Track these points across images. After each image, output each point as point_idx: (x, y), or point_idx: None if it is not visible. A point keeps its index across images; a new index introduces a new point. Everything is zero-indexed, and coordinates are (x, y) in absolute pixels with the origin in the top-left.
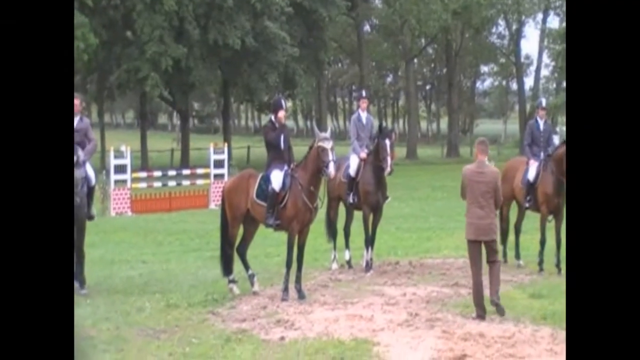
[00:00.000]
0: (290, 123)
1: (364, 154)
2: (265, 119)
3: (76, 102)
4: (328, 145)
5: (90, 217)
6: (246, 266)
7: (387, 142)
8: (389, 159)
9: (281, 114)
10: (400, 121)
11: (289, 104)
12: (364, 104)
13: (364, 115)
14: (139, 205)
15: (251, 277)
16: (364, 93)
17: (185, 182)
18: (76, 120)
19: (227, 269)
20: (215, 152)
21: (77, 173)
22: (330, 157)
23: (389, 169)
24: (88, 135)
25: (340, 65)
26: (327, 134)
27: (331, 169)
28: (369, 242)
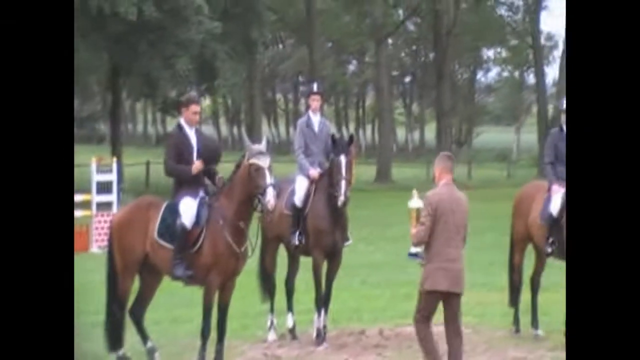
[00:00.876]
0: (208, 129)
1: (315, 173)
2: (172, 123)
3: None
4: (264, 162)
5: None
6: (144, 336)
7: (342, 159)
8: (343, 183)
9: (193, 110)
10: (368, 128)
11: (206, 101)
12: (315, 102)
13: (315, 118)
14: None
15: (151, 352)
16: (315, 87)
17: None
18: None
19: (114, 340)
20: (99, 171)
21: None
22: (268, 179)
23: (342, 197)
24: None
25: (281, 46)
26: (263, 146)
27: (269, 197)
28: (322, 302)
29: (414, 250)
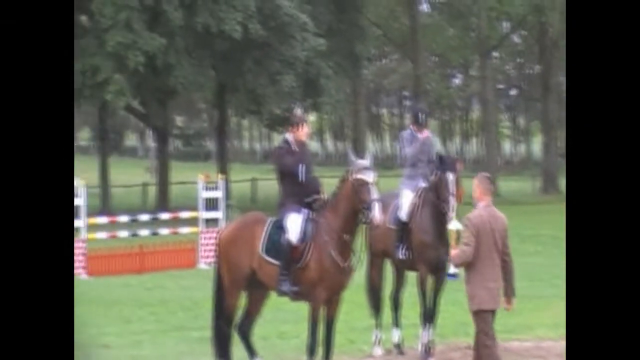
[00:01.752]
0: (313, 145)
1: (421, 183)
2: (278, 140)
3: None
4: (369, 177)
5: None
6: (251, 352)
7: (450, 176)
8: (451, 199)
9: (302, 131)
10: (473, 141)
11: (312, 117)
12: (421, 134)
13: (418, 134)
14: (97, 265)
15: None
16: (419, 118)
17: (164, 231)
18: None
19: (222, 356)
20: (206, 188)
21: None
22: (374, 194)
23: (452, 214)
24: None
25: (385, 61)
26: (368, 162)
27: (375, 211)
28: (428, 317)
29: (452, 270)
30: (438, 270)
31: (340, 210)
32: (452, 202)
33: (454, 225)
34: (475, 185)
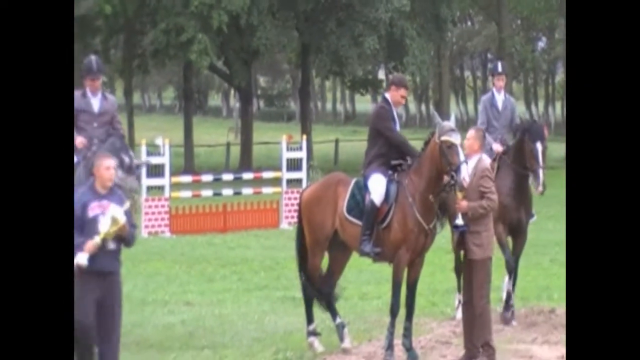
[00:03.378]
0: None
1: (498, 148)
2: (362, 101)
3: (94, 83)
4: (456, 139)
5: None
6: (333, 312)
7: (539, 146)
8: (541, 172)
9: (402, 94)
10: (557, 106)
11: None
12: (500, 81)
13: (499, 97)
14: (181, 223)
15: (340, 327)
16: (499, 67)
17: (247, 191)
18: (98, 98)
19: (306, 315)
20: (289, 149)
21: (131, 182)
22: (462, 156)
23: (540, 188)
24: (114, 122)
25: (469, 24)
26: (453, 123)
27: (464, 173)
28: (510, 271)
29: (461, 221)
30: (518, 232)
31: (424, 172)
32: (542, 174)
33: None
34: (474, 139)
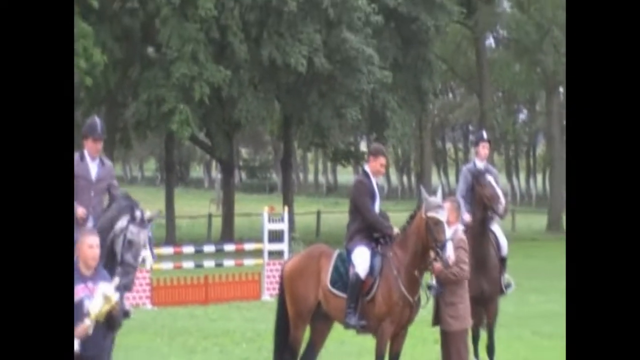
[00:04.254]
0: (378, 179)
1: (469, 217)
2: (344, 173)
3: (96, 145)
4: (443, 217)
5: (126, 314)
6: None
7: (490, 178)
8: (500, 195)
9: (381, 162)
10: (539, 177)
11: None
12: (483, 149)
13: (481, 165)
14: (162, 295)
15: None
16: (484, 134)
17: (229, 263)
18: (96, 164)
19: None
20: (271, 220)
21: (144, 237)
22: (447, 234)
23: (501, 206)
24: (111, 189)
25: (451, 96)
26: (440, 199)
27: (449, 252)
28: (489, 351)
29: (434, 283)
30: (485, 303)
31: (409, 246)
32: (501, 198)
33: None
34: (450, 210)
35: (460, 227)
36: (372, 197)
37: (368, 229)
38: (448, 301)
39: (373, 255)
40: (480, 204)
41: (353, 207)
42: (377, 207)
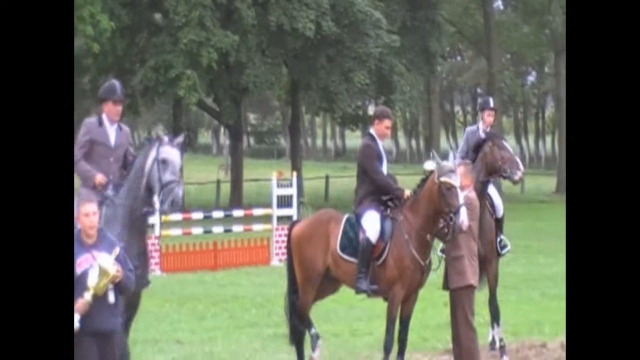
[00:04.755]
0: (386, 142)
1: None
2: (352, 137)
3: (116, 107)
4: (456, 181)
5: (146, 284)
6: (308, 324)
7: (504, 142)
8: (518, 160)
9: (386, 125)
10: (548, 139)
11: None
12: (489, 117)
13: (483, 132)
14: (171, 261)
15: (314, 338)
16: (491, 102)
17: (237, 228)
18: (114, 128)
19: (299, 353)
20: (279, 185)
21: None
22: (461, 199)
23: (520, 172)
24: (127, 155)
25: (459, 58)
26: (452, 163)
27: (463, 216)
28: (493, 314)
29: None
30: (483, 266)
31: (420, 210)
32: (519, 163)
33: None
34: (464, 174)
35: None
36: (380, 160)
37: (377, 192)
38: (454, 255)
39: (383, 219)
40: (491, 166)
41: (361, 171)
42: (385, 169)
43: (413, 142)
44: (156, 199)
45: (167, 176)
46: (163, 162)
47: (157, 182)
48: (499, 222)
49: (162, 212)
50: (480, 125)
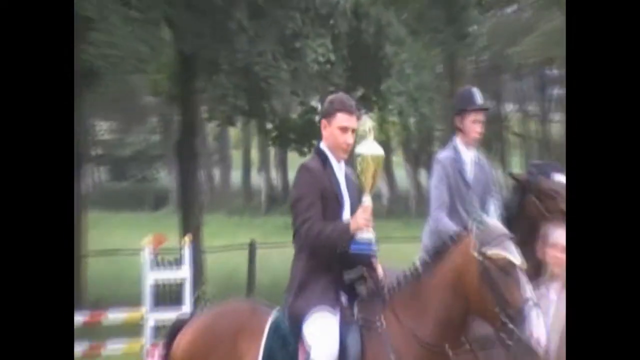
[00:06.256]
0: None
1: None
2: (296, 165)
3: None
4: (517, 257)
5: None
6: None
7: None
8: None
9: (348, 122)
10: None
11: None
12: (475, 125)
13: (468, 157)
14: None
15: None
16: (476, 97)
17: (78, 348)
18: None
19: None
20: (157, 264)
21: None
22: (528, 292)
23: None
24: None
25: None
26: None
27: (534, 324)
28: None
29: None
30: None
31: (430, 308)
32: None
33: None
34: None
35: None
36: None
37: (334, 266)
38: None
39: (345, 327)
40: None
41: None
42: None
43: None
44: None
45: None
46: None
47: None
48: None
49: None
50: (458, 144)
